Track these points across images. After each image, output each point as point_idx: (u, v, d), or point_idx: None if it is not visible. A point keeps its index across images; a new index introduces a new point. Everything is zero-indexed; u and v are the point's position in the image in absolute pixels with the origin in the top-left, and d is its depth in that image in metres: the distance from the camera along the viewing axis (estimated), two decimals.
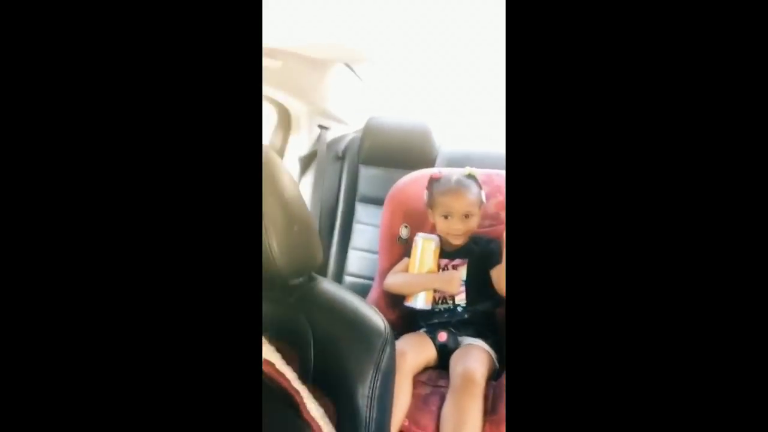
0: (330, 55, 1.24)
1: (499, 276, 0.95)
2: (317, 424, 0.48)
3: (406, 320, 1.07)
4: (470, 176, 1.03)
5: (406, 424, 0.83)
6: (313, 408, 0.48)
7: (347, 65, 1.38)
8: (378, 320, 0.55)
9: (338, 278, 1.49)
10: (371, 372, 0.52)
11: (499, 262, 0.96)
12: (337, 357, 0.53)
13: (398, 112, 1.57)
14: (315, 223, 0.60)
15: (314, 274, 0.62)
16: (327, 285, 0.61)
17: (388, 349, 0.54)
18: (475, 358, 0.88)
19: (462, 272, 1.01)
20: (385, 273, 1.12)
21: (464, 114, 1.67)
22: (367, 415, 0.51)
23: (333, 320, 0.56)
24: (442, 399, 0.84)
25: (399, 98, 1.63)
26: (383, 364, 0.53)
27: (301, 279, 0.59)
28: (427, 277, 1.00)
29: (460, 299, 1.01)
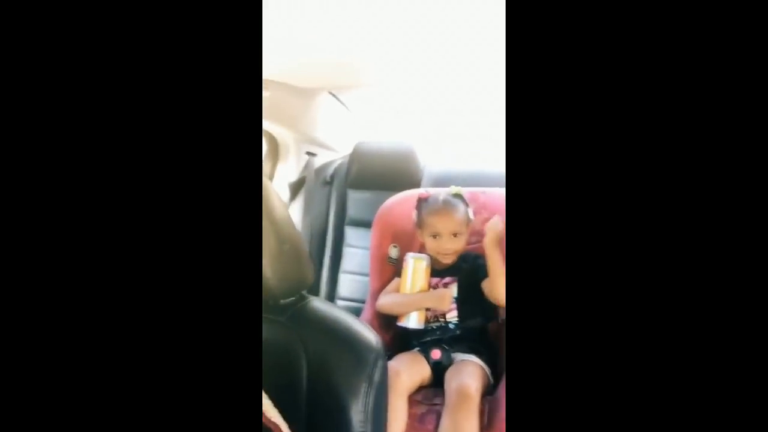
0: (315, 83, 1.28)
1: (490, 287, 0.97)
2: None
3: (399, 340, 1.07)
4: (456, 195, 1.06)
5: None
6: None
7: (332, 93, 1.42)
8: (369, 335, 0.56)
9: (330, 301, 1.48)
10: (364, 386, 0.53)
11: (486, 275, 0.98)
12: (329, 373, 0.54)
13: (383, 136, 1.61)
14: (305, 243, 0.61)
15: (305, 294, 0.62)
16: (318, 303, 0.62)
17: (380, 363, 0.54)
18: (469, 373, 0.88)
19: (453, 289, 1.02)
20: (376, 294, 1.12)
21: (449, 134, 1.72)
22: (363, 430, 0.51)
23: (325, 337, 0.56)
24: (438, 417, 0.84)
25: (384, 122, 1.68)
26: (376, 378, 0.54)
27: (292, 298, 0.60)
28: (419, 296, 1.01)
29: (452, 316, 1.02)
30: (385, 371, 0.55)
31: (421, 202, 1.07)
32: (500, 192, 1.15)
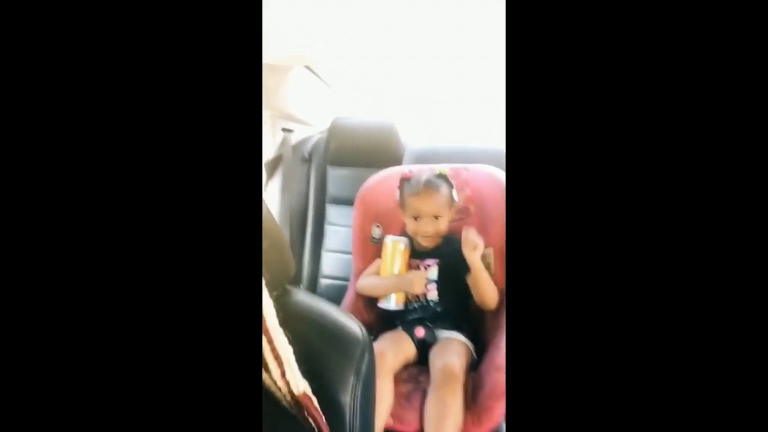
0: (290, 60, 1.22)
1: (476, 288, 0.98)
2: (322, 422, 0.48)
3: (383, 319, 1.09)
4: (440, 175, 1.04)
5: (390, 422, 0.84)
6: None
7: (308, 68, 1.36)
8: (355, 327, 0.56)
9: (313, 281, 1.48)
10: (352, 380, 0.53)
11: (468, 270, 0.98)
12: (317, 368, 0.54)
13: (362, 111, 1.56)
14: (285, 236, 0.60)
15: (287, 287, 0.61)
16: (301, 296, 0.61)
17: (366, 356, 0.54)
18: (453, 352, 0.90)
19: (432, 272, 1.02)
20: (359, 274, 1.12)
21: (430, 110, 1.69)
22: (351, 423, 0.52)
23: (310, 331, 0.56)
24: (424, 395, 0.86)
25: (363, 97, 1.63)
26: (363, 370, 0.54)
27: (275, 292, 0.59)
28: (392, 279, 1.01)
29: (432, 296, 1.02)
30: (372, 363, 0.55)
31: (404, 181, 1.06)
32: (483, 168, 1.14)
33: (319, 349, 0.54)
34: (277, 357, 0.50)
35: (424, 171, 1.06)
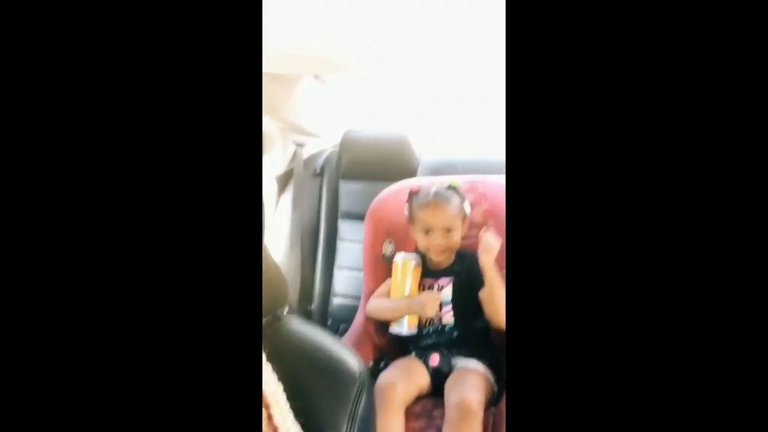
0: (298, 68, 1.19)
1: (488, 300, 0.89)
2: None
3: (395, 344, 1.01)
4: (451, 187, 0.98)
5: None
6: None
7: (317, 77, 1.32)
8: (352, 364, 0.49)
9: (325, 300, 1.42)
10: (346, 423, 0.46)
11: (483, 284, 0.90)
12: (308, 407, 0.47)
13: (375, 124, 1.52)
14: (272, 259, 0.54)
15: (280, 314, 0.55)
16: (296, 325, 0.55)
17: (363, 397, 0.47)
18: (471, 385, 0.81)
19: (446, 292, 0.95)
20: (370, 294, 1.05)
21: (445, 121, 1.62)
22: None
23: (302, 367, 0.50)
24: (439, 431, 0.78)
25: (376, 109, 1.58)
26: (359, 414, 0.47)
27: (264, 319, 0.53)
28: (403, 302, 0.94)
29: (447, 320, 0.95)
30: (369, 404, 0.49)
31: (412, 195, 0.99)
32: (500, 180, 1.06)
33: (311, 387, 0.48)
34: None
35: (433, 183, 1.00)
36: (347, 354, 0.51)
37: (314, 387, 0.48)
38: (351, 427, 0.46)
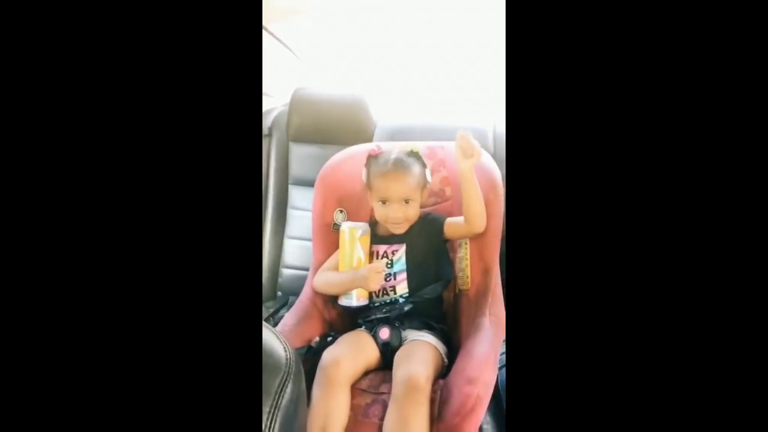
0: None
1: (466, 208, 0.86)
2: None
3: (346, 317, 0.96)
4: (413, 153, 0.91)
5: None
6: None
7: (265, 29, 1.19)
8: (277, 352, 0.42)
9: (274, 271, 1.35)
10: (268, 416, 0.40)
11: (440, 226, 0.89)
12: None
13: (329, 82, 1.41)
14: None
15: None
16: None
17: (288, 388, 0.41)
18: (419, 359, 0.77)
19: (398, 260, 0.90)
20: (319, 266, 0.99)
21: (406, 83, 1.53)
22: None
23: None
24: (385, 407, 0.74)
25: (330, 65, 1.46)
26: (282, 403, 0.41)
27: None
28: (348, 275, 0.89)
29: (402, 289, 0.90)
30: (295, 393, 0.43)
31: (371, 159, 0.92)
32: None
33: None
34: None
35: (394, 148, 0.92)
36: (272, 339, 0.44)
37: None
38: (272, 421, 0.40)
